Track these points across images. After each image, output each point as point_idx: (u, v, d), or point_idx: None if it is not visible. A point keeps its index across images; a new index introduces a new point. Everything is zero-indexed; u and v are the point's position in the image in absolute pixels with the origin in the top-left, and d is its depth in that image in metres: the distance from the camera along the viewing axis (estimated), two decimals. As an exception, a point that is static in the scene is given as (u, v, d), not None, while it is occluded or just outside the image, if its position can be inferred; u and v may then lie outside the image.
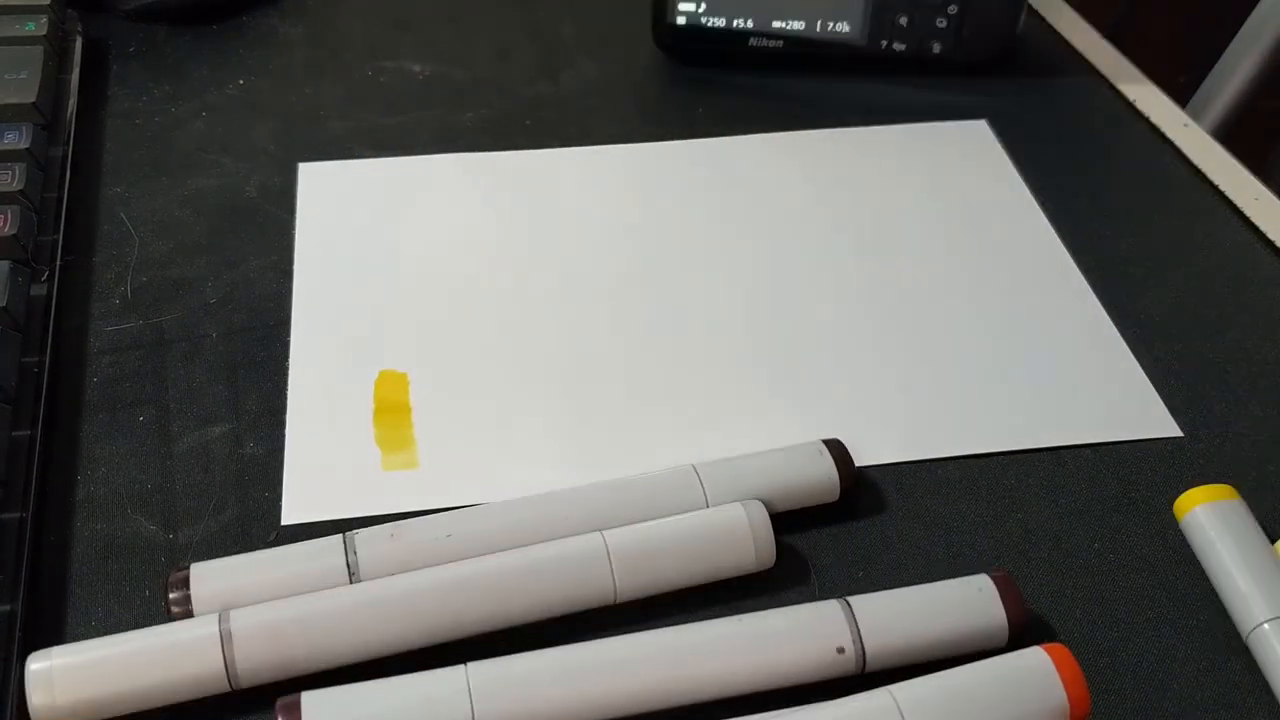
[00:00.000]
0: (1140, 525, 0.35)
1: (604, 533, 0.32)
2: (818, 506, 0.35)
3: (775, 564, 0.33)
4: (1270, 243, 0.45)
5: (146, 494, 0.35)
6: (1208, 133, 0.51)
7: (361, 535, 0.32)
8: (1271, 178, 0.49)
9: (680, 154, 0.48)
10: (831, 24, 0.52)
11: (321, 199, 0.45)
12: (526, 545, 0.32)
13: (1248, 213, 0.47)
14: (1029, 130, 0.51)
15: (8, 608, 0.30)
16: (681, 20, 0.52)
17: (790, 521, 0.34)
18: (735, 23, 0.52)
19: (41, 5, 0.48)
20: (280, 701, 0.28)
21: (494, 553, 0.32)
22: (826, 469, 0.34)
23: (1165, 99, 0.53)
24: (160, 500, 0.34)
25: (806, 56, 0.53)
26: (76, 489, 0.35)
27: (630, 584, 0.31)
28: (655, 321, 0.41)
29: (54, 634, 0.31)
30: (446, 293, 0.41)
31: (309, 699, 0.28)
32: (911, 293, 0.42)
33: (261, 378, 0.38)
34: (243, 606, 0.30)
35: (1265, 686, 0.31)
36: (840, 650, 0.30)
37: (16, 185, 0.40)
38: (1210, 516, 0.34)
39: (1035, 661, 0.29)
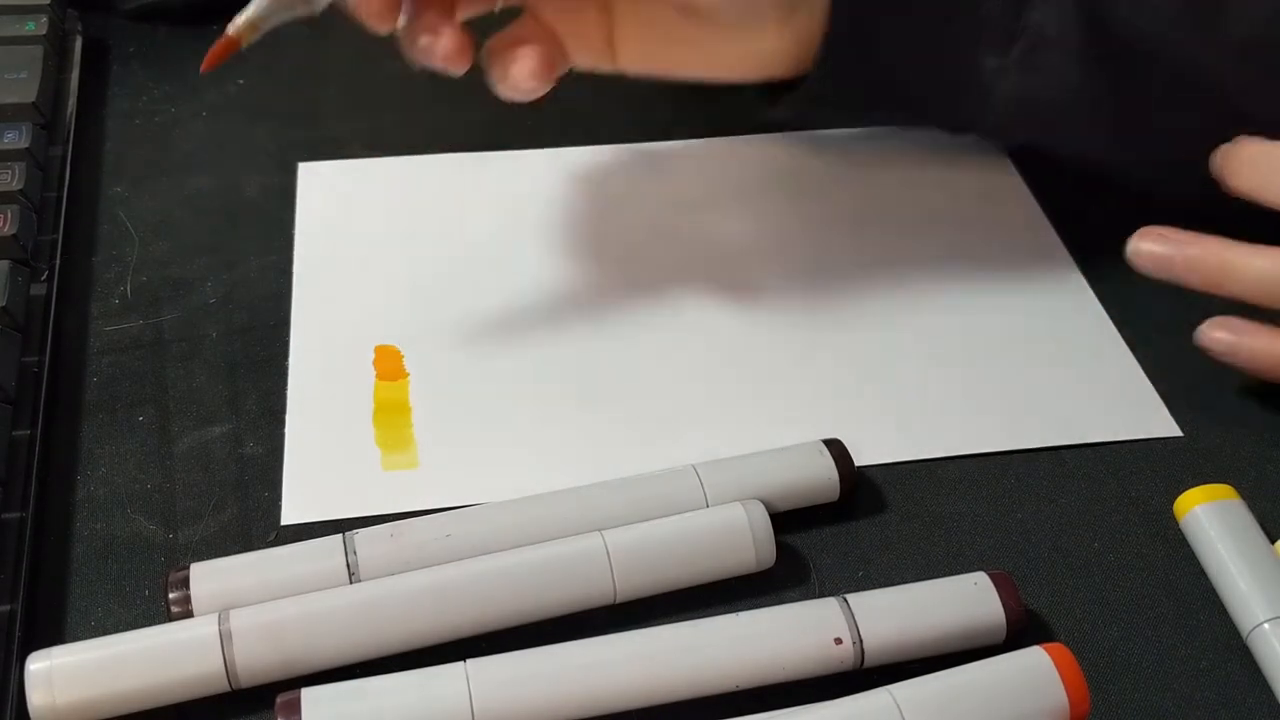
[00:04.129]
0: (1140, 525, 0.35)
1: (604, 533, 0.32)
2: (818, 506, 0.35)
3: (775, 564, 0.33)
4: (1270, 243, 0.45)
5: (146, 494, 0.35)
6: (1208, 133, 0.51)
7: (361, 535, 0.32)
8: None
9: (682, 154, 0.48)
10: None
11: (321, 199, 0.45)
12: (526, 545, 0.32)
13: (1248, 213, 0.47)
14: (1029, 130, 0.51)
15: (8, 608, 0.30)
16: (681, 20, 0.52)
17: (790, 521, 0.34)
18: (735, 23, 0.52)
19: (41, 5, 0.48)
20: (280, 698, 0.28)
21: (494, 553, 0.32)
22: (826, 469, 0.34)
23: (1165, 99, 0.53)
24: (160, 500, 0.34)
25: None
26: (76, 489, 0.35)
27: (630, 584, 0.31)
28: (655, 321, 0.41)
29: (54, 634, 0.31)
30: (446, 293, 0.41)
31: (309, 695, 0.28)
32: (911, 292, 0.42)
33: (261, 378, 0.38)
34: (243, 606, 0.30)
35: (1265, 686, 0.31)
36: (838, 641, 0.30)
37: (16, 185, 0.40)
38: (1210, 516, 0.34)
39: (1035, 661, 0.29)
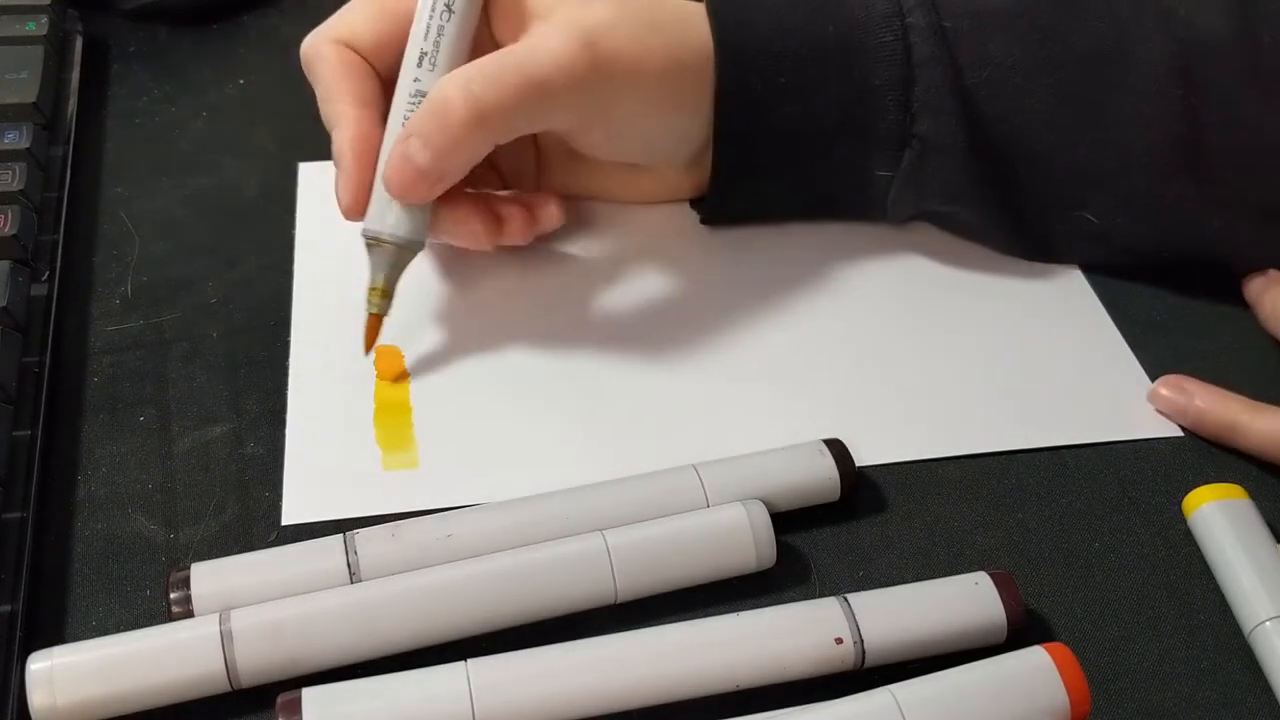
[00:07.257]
0: (1140, 525, 0.35)
1: (604, 533, 0.32)
2: (818, 506, 0.35)
3: (776, 564, 0.33)
4: (1270, 243, 0.45)
5: (147, 494, 0.35)
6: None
7: (362, 535, 0.32)
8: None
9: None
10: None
11: (321, 199, 0.45)
12: (527, 545, 0.32)
13: (1248, 213, 0.47)
14: (1029, 130, 0.51)
15: (8, 608, 0.30)
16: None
17: (790, 521, 0.34)
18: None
19: (41, 5, 0.48)
20: (281, 698, 0.28)
21: (494, 553, 0.32)
22: (827, 468, 0.34)
23: (1165, 99, 0.53)
24: (161, 500, 0.34)
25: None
26: (76, 489, 0.35)
27: (630, 584, 0.31)
28: (656, 321, 0.41)
29: (54, 634, 0.31)
30: (446, 292, 0.41)
31: (309, 695, 0.28)
32: (912, 292, 0.42)
33: (261, 378, 0.38)
34: (243, 606, 0.30)
35: (1266, 686, 0.31)
36: (838, 641, 0.30)
37: (17, 185, 0.40)
38: (1219, 514, 0.34)
39: (1036, 661, 0.29)
